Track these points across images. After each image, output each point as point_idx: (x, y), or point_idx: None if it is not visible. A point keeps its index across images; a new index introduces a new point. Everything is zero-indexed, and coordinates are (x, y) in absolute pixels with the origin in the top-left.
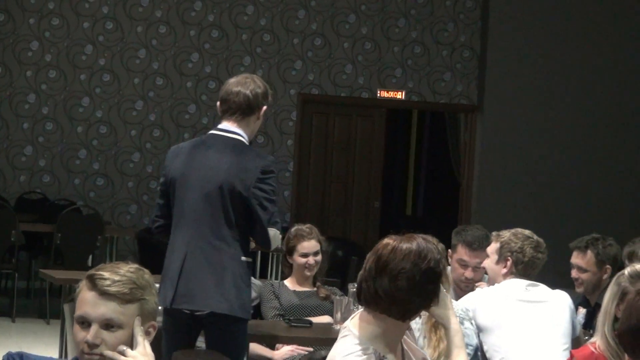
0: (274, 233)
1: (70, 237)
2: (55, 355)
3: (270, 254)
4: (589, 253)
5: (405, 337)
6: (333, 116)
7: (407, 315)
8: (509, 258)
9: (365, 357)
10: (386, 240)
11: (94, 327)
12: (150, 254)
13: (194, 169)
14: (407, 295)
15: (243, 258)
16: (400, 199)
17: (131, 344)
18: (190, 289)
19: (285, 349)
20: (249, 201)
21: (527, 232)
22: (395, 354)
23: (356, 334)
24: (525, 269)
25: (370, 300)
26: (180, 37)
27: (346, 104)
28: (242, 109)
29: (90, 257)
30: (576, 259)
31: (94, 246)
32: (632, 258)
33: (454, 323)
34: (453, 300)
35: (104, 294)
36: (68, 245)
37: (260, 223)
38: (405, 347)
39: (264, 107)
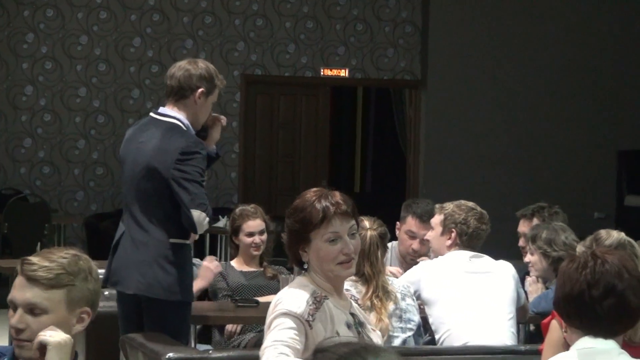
0: (197, 215)
1: (17, 226)
2: (5, 344)
3: (219, 235)
4: (535, 220)
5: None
6: (277, 96)
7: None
8: (453, 230)
9: (306, 291)
10: None
11: (19, 312)
12: (98, 240)
13: (129, 152)
14: (288, 248)
15: (171, 240)
16: (349, 176)
17: (61, 329)
18: (118, 270)
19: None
20: (170, 182)
21: (470, 203)
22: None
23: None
24: (469, 240)
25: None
26: (121, 22)
27: (290, 83)
28: (174, 92)
29: (39, 245)
30: (522, 227)
31: (42, 234)
32: (535, 240)
33: None
34: (394, 279)
35: (30, 279)
36: (16, 234)
37: (183, 205)
38: (357, 308)
39: (200, 89)
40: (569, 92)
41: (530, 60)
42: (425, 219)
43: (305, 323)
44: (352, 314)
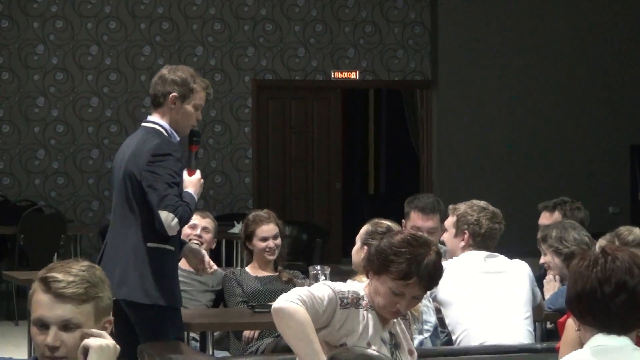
0: (165, 216)
1: (33, 237)
2: (25, 356)
3: (235, 241)
4: (557, 214)
5: (402, 323)
6: (289, 100)
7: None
8: (466, 231)
9: (355, 288)
10: None
11: (53, 330)
12: None
13: (116, 162)
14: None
15: (149, 244)
16: (362, 178)
17: None
18: None
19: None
20: (142, 184)
21: (482, 203)
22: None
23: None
24: (483, 240)
25: None
26: (130, 31)
27: (301, 87)
28: (152, 100)
29: (55, 256)
30: (544, 219)
31: (58, 245)
32: (546, 240)
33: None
34: None
35: (60, 296)
36: (32, 246)
37: (152, 206)
38: (398, 328)
39: (172, 94)
40: (580, 87)
41: (541, 57)
42: (427, 211)
43: (338, 300)
44: (391, 334)
